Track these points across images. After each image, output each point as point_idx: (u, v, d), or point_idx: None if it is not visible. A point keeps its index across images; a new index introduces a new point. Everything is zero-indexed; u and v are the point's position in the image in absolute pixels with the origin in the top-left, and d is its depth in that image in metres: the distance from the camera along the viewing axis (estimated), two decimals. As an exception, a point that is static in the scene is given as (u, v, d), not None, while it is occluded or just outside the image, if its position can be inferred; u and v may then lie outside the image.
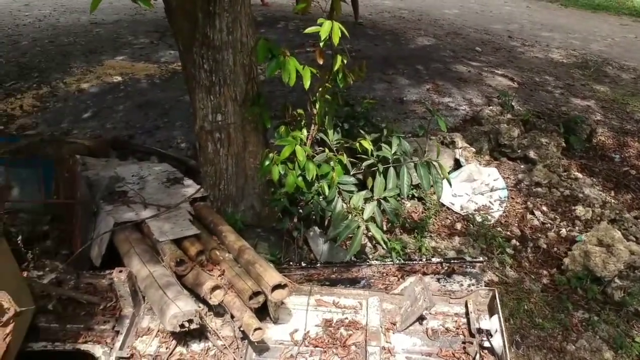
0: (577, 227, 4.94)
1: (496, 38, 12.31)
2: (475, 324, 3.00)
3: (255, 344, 2.82)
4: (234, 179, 3.93)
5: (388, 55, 9.72)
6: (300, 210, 3.97)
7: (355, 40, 10.42)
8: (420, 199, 4.98)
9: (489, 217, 4.98)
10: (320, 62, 3.49)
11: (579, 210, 5.14)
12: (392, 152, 3.83)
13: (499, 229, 4.84)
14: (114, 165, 4.40)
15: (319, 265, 3.58)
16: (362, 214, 3.65)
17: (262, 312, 2.96)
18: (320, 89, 3.69)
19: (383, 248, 4.10)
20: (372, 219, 3.69)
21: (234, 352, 2.83)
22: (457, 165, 5.66)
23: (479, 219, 4.92)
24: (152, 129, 6.07)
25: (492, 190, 5.36)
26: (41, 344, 2.82)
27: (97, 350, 2.84)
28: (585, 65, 10.67)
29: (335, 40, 3.16)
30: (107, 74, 7.65)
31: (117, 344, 2.83)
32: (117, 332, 2.91)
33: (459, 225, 4.82)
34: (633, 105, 8.53)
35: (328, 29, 3.12)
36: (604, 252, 4.22)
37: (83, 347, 2.85)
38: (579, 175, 5.91)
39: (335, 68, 3.48)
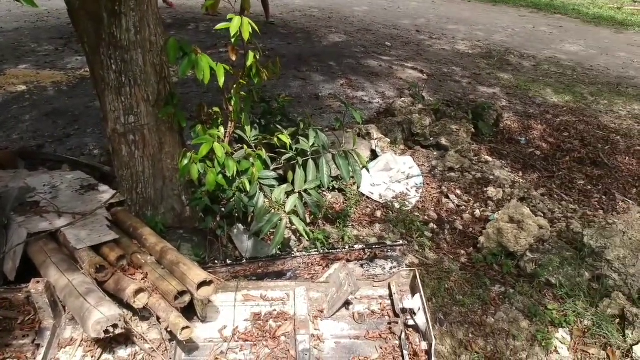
0: (490, 207, 5.19)
1: (405, 33, 12.67)
2: (399, 304, 3.11)
3: (184, 343, 2.81)
4: (152, 182, 3.86)
5: (301, 53, 9.80)
6: (223, 209, 3.95)
7: (268, 40, 10.45)
8: (340, 190, 5.07)
9: (407, 204, 5.14)
10: (233, 58, 3.50)
11: (491, 191, 5.41)
12: (310, 144, 3.89)
13: (416, 214, 5.01)
14: (24, 176, 4.21)
15: (244, 261, 3.59)
16: (284, 207, 3.69)
17: (189, 312, 2.94)
18: (235, 86, 3.69)
19: (307, 240, 4.15)
20: (295, 211, 3.74)
21: (162, 354, 2.80)
22: (374, 155, 5.80)
23: (397, 205, 5.07)
24: (63, 137, 5.83)
25: (408, 177, 5.53)
26: (-46, 366, 2.69)
27: (17, 366, 2.74)
28: (489, 55, 11.21)
29: (246, 35, 3.18)
30: (10, 84, 7.25)
31: (39, 358, 2.73)
32: (38, 346, 2.81)
33: (379, 213, 4.95)
34: (534, 90, 9.05)
35: (238, 25, 3.14)
36: (515, 228, 4.46)
37: (1, 364, 2.74)
38: (489, 158, 6.21)
39: (249, 64, 3.49)
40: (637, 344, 3.61)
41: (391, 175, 5.48)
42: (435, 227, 4.86)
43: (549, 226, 4.70)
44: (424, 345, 2.87)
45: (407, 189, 5.40)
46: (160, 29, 3.50)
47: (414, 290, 3.21)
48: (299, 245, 4.21)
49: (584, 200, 5.63)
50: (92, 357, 2.78)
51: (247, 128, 4.03)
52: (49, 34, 10.21)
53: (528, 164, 6.30)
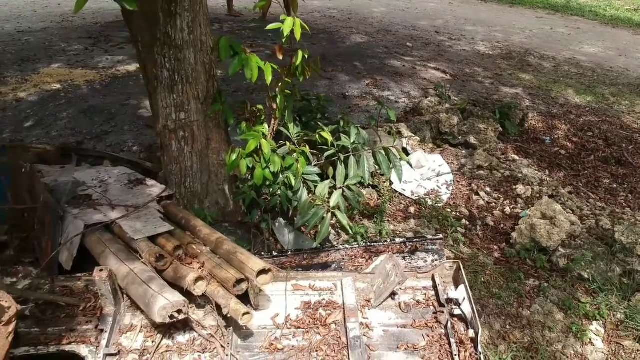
0: (519, 205, 5.30)
1: (424, 34, 12.77)
2: (444, 294, 3.21)
3: (241, 330, 2.93)
4: (199, 176, 4.00)
5: (325, 53, 9.91)
6: (267, 202, 4.08)
7: (292, 40, 10.55)
8: (374, 187, 5.20)
9: (439, 200, 5.26)
10: (280, 57, 3.64)
11: (520, 188, 5.51)
12: (351, 141, 4.01)
13: (448, 210, 5.12)
14: (72, 171, 4.36)
15: (289, 253, 3.71)
16: (328, 202, 3.81)
17: (242, 301, 3.06)
18: (280, 84, 3.82)
19: (347, 234, 4.27)
20: (337, 206, 3.86)
21: (220, 340, 2.92)
22: (405, 153, 5.91)
23: (429, 202, 5.18)
24: (101, 134, 5.99)
25: (438, 175, 5.65)
26: (23, 349, 2.78)
27: (83, 349, 2.85)
28: (509, 56, 11.27)
29: (298, 35, 3.32)
30: (45, 82, 7.43)
31: (103, 342, 2.85)
32: (101, 331, 2.92)
33: (412, 209, 5.07)
34: (556, 91, 9.13)
35: (291, 25, 3.27)
36: (547, 224, 4.56)
37: (68, 348, 2.84)
38: (516, 157, 6.32)
39: (297, 63, 3.62)
40: (671, 336, 3.71)
41: (422, 172, 5.59)
42: (467, 223, 4.97)
43: (580, 222, 4.80)
44: (470, 333, 2.97)
45: (437, 186, 5.51)
46: (210, 29, 3.65)
47: (456, 282, 3.32)
48: (338, 239, 4.33)
49: (610, 198, 5.72)
50: (152, 342, 2.90)
51: (290, 125, 4.15)
52: (77, 34, 10.41)
53: (554, 163, 6.39)
